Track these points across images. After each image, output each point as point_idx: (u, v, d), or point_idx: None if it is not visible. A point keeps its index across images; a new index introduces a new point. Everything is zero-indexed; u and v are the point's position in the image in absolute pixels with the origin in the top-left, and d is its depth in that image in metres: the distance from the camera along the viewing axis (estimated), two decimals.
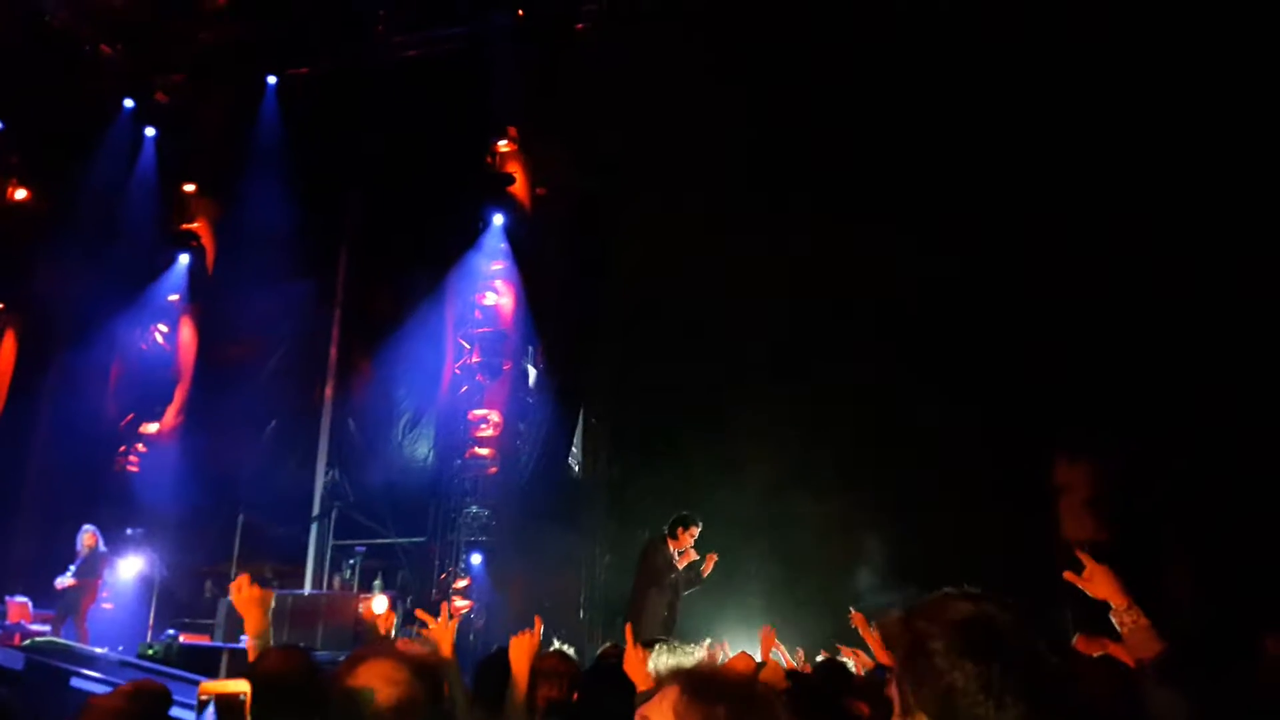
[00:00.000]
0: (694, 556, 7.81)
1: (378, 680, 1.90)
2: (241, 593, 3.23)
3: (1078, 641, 4.19)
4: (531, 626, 3.60)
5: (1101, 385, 9.69)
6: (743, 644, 8.35)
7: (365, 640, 9.76)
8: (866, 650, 6.08)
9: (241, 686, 2.18)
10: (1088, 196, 9.89)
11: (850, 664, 5.74)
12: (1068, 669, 1.35)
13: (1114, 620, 2.64)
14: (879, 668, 5.90)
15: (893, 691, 1.48)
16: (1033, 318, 10.05)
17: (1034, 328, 10.05)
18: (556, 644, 4.27)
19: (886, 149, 10.70)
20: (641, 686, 3.01)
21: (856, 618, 6.05)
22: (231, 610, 10.32)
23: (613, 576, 11.71)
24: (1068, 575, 2.71)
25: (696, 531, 7.87)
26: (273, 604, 3.32)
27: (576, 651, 4.54)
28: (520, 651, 3.39)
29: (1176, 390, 9.17)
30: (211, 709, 2.18)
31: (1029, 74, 10.08)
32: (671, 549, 7.78)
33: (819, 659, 5.91)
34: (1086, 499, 10.00)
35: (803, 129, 10.95)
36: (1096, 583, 2.68)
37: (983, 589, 1.46)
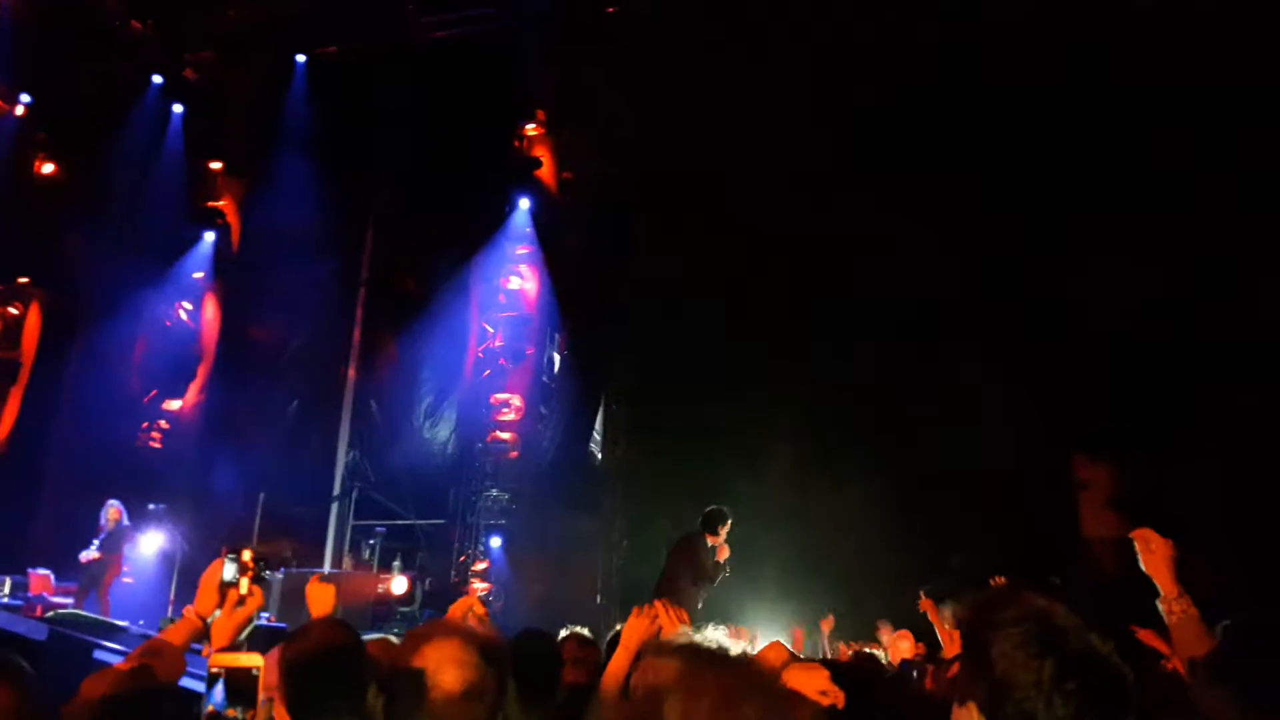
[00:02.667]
0: (728, 552, 7.67)
1: (445, 661, 1.78)
2: (317, 585, 3.61)
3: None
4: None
5: (1126, 377, 9.56)
6: (762, 632, 8.32)
7: (383, 619, 9.80)
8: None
9: (255, 661, 2.10)
10: (1120, 187, 9.73)
11: (882, 656, 5.73)
12: (1128, 675, 1.31)
13: (1162, 609, 2.59)
14: (905, 662, 5.87)
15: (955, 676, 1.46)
16: (1058, 307, 9.93)
17: (1060, 318, 9.93)
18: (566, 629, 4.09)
19: (918, 137, 10.57)
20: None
21: (925, 603, 6.06)
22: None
23: (630, 562, 11.71)
24: (1135, 534, 2.65)
25: (730, 526, 7.73)
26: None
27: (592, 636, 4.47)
28: (634, 634, 2.78)
29: (1198, 387, 9.03)
30: (221, 686, 2.09)
31: (1058, 66, 9.89)
32: (709, 544, 7.65)
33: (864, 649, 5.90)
34: (1108, 497, 9.90)
35: (831, 115, 10.83)
36: (1155, 559, 2.62)
37: (1058, 583, 1.41)
